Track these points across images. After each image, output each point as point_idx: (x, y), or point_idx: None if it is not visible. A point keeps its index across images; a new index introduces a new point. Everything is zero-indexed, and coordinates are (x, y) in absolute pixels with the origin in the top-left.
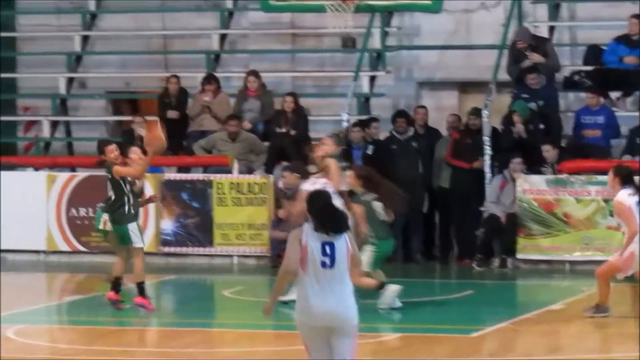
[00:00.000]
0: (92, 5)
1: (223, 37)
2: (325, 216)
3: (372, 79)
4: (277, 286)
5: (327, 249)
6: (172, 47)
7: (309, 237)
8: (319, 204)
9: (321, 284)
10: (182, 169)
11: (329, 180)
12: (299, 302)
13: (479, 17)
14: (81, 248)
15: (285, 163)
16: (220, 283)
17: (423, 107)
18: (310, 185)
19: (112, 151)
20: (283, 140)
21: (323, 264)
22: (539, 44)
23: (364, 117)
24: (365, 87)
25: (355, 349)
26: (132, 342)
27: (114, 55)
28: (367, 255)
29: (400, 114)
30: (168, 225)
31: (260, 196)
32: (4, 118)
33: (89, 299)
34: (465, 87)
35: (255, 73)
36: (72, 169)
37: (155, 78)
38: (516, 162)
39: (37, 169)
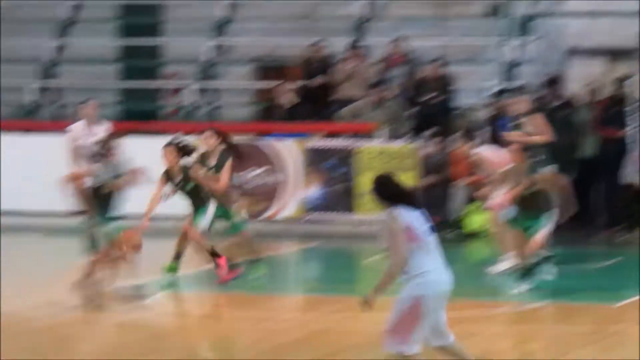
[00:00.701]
0: None
1: (369, 4)
2: (408, 191)
3: (519, 47)
4: (387, 281)
5: (423, 219)
6: (318, 13)
7: (408, 217)
8: (394, 182)
9: (432, 252)
10: (327, 135)
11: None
12: (419, 278)
13: None
14: None
15: (431, 130)
16: (363, 251)
17: (568, 74)
18: (491, 152)
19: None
20: (428, 107)
21: (427, 234)
22: None
23: (510, 86)
24: (512, 55)
25: None
26: (275, 308)
27: (260, 23)
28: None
29: (549, 82)
30: (313, 192)
31: (405, 163)
32: (148, 84)
33: (232, 265)
34: (613, 54)
35: (401, 40)
36: None
37: (300, 45)
38: None
39: (181, 134)
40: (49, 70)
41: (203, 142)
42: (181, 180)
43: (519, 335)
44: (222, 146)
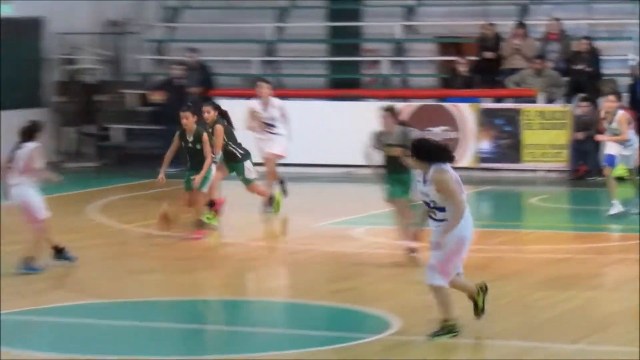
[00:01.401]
0: None
1: None
2: (448, 150)
3: None
4: (454, 225)
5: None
6: None
7: (454, 171)
8: (434, 143)
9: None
10: (497, 99)
11: None
12: (465, 221)
13: None
14: None
15: (581, 94)
16: (527, 193)
17: None
18: None
19: None
20: (579, 75)
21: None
22: None
23: None
24: None
25: None
26: None
27: (442, 7)
28: None
29: None
30: (485, 145)
31: (560, 122)
32: (350, 58)
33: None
34: None
35: (557, 20)
36: (406, 99)
37: (475, 25)
38: None
39: (378, 99)
40: (271, 48)
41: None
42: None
43: None
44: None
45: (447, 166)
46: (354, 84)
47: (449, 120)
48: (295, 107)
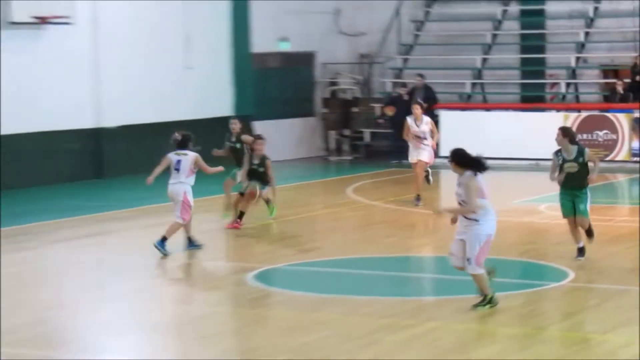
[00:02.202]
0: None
1: None
2: (479, 160)
3: None
4: (458, 212)
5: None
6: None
7: (481, 180)
8: (468, 154)
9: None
10: None
11: None
12: (491, 222)
13: None
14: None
15: None
16: None
17: None
18: None
19: None
20: None
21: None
22: None
23: None
24: None
25: None
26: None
27: (605, 43)
28: None
29: None
30: (635, 144)
31: None
32: (537, 81)
33: None
34: None
35: None
36: (578, 111)
37: (629, 56)
38: None
39: (558, 111)
40: (478, 73)
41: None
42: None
43: None
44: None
45: (477, 175)
46: (539, 99)
47: (610, 126)
48: (496, 117)
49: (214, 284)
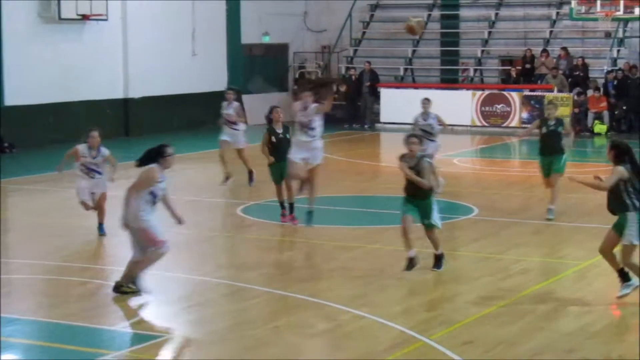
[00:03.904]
0: None
1: None
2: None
3: None
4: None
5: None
6: None
7: (624, 170)
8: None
9: None
10: None
11: None
12: None
13: None
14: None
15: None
16: None
17: None
18: None
19: None
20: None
21: None
22: None
23: None
24: None
25: None
26: None
27: (503, 40)
28: None
29: None
30: (525, 115)
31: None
32: (451, 67)
33: None
34: None
35: (564, 48)
36: (482, 90)
37: (520, 50)
38: None
39: (467, 90)
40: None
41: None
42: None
43: None
44: None
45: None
46: (454, 81)
47: (505, 101)
48: (422, 94)
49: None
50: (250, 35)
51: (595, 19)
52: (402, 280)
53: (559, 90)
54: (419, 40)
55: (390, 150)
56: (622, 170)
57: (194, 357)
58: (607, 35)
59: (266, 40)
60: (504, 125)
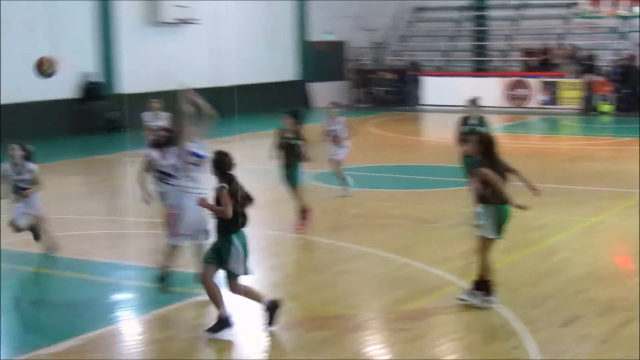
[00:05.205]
0: None
1: None
2: None
3: None
4: None
5: None
6: None
7: None
8: None
9: None
10: None
11: None
12: None
13: None
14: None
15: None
16: None
17: None
18: None
19: None
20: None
21: None
22: None
23: None
24: None
25: None
26: None
27: (524, 35)
28: None
29: None
30: (541, 98)
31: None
32: (485, 59)
33: None
34: None
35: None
36: (508, 77)
37: (538, 44)
38: None
39: (496, 77)
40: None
41: None
42: None
43: None
44: None
45: None
46: (485, 70)
47: (526, 86)
48: (464, 80)
49: None
50: (315, 34)
51: (601, 17)
52: (442, 234)
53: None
54: (452, 36)
55: (430, 127)
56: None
57: (275, 295)
58: (612, 30)
59: (329, 37)
60: (525, 106)
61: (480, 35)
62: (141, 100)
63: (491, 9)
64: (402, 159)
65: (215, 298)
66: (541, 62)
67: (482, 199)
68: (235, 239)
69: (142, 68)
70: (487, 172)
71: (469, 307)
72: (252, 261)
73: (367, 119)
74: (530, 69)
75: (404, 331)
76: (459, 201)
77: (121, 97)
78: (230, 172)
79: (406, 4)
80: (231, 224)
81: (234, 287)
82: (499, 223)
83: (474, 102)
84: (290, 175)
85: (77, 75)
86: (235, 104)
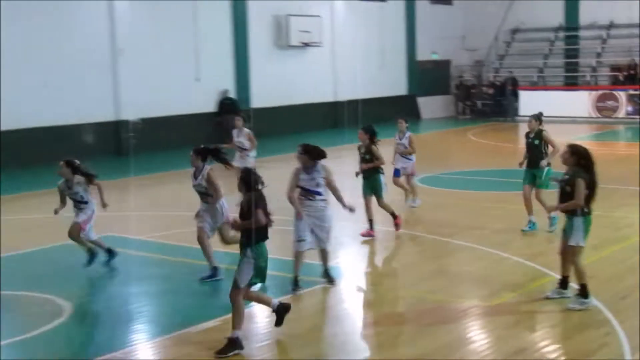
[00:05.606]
0: None
1: None
2: None
3: None
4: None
5: None
6: None
7: None
8: None
9: None
10: None
11: None
12: None
13: None
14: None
15: None
16: None
17: None
18: None
19: None
20: None
21: None
22: None
23: None
24: None
25: None
26: None
27: (612, 52)
28: None
29: None
30: (629, 109)
31: None
32: (575, 74)
33: None
34: None
35: None
36: (597, 90)
37: (625, 59)
38: None
39: (585, 90)
40: None
41: None
42: None
43: None
44: None
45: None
46: (576, 84)
47: (615, 99)
48: (558, 94)
49: None
50: (423, 53)
51: None
52: (537, 232)
53: None
54: (548, 54)
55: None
56: (582, 182)
57: (384, 286)
58: None
59: (435, 57)
60: (613, 117)
61: (572, 53)
62: (267, 115)
63: (582, 29)
64: (501, 164)
65: (239, 317)
66: (627, 76)
67: (571, 210)
68: (256, 251)
69: (270, 86)
70: (579, 183)
71: (563, 298)
72: (362, 254)
73: (467, 129)
74: (617, 83)
75: (503, 317)
76: (550, 202)
77: (249, 112)
78: (257, 188)
79: (504, 25)
80: (257, 235)
81: (247, 294)
82: (587, 231)
83: (536, 116)
84: (368, 186)
85: (216, 92)
86: (359, 115)
